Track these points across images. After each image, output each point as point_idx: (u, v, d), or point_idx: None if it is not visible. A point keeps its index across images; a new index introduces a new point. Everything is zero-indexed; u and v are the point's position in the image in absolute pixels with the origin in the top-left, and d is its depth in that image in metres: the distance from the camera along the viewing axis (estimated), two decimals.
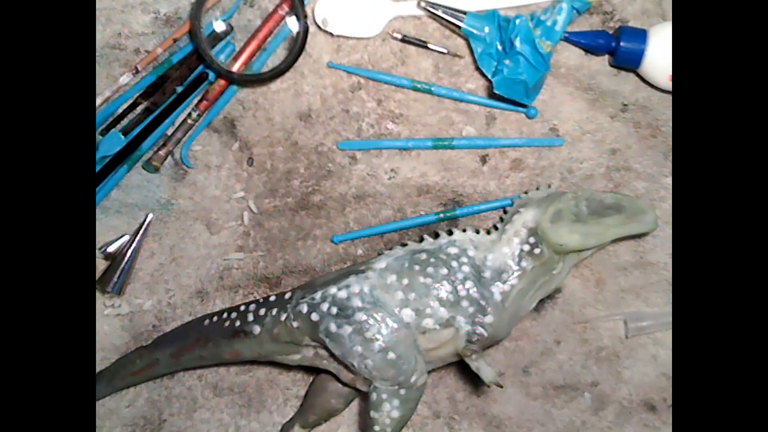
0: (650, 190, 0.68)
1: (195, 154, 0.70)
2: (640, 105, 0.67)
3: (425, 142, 0.69)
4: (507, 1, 0.66)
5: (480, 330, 0.61)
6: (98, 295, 0.70)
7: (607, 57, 0.67)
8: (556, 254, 0.62)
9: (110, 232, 0.70)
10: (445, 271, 0.61)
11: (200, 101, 0.68)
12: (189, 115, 0.69)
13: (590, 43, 0.65)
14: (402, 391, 0.61)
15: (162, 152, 0.69)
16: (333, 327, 0.61)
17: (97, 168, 0.68)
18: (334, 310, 0.61)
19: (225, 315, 0.66)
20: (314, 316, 0.62)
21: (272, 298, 0.65)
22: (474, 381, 0.71)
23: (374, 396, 0.62)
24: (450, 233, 0.63)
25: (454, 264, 0.61)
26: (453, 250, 0.62)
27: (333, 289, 0.62)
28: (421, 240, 0.64)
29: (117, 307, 0.71)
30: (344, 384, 0.66)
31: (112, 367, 0.70)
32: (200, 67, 0.68)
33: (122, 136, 0.68)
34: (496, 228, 0.64)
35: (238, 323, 0.65)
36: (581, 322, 0.71)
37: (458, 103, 0.68)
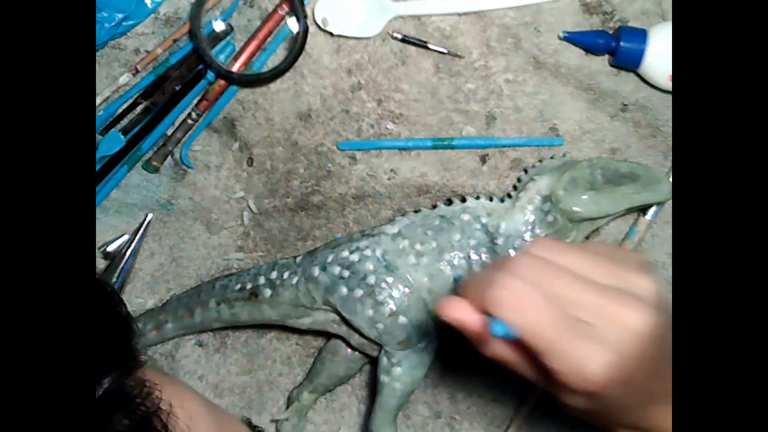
0: None
1: (195, 154, 0.70)
2: (640, 105, 0.67)
3: (425, 142, 0.68)
4: (492, 3, 0.66)
5: None
6: None
7: (607, 57, 0.66)
8: (570, 222, 0.62)
9: (110, 231, 0.70)
10: (457, 237, 0.61)
11: (200, 101, 0.68)
12: (189, 115, 0.68)
13: (590, 43, 0.65)
14: (412, 356, 0.61)
15: (162, 152, 0.69)
16: (344, 290, 0.61)
17: (97, 167, 0.68)
18: (346, 273, 0.61)
19: (236, 278, 0.66)
20: (325, 279, 0.62)
21: (284, 261, 0.65)
22: (475, 381, 0.72)
23: (384, 360, 0.62)
24: (463, 200, 0.63)
25: (467, 230, 0.61)
26: (466, 217, 0.62)
27: (345, 252, 0.62)
28: (434, 207, 0.64)
29: None
30: (354, 349, 0.66)
31: None
32: (200, 67, 0.68)
33: (122, 136, 0.68)
34: (509, 196, 0.64)
35: (249, 286, 0.65)
36: None
37: (458, 102, 0.68)
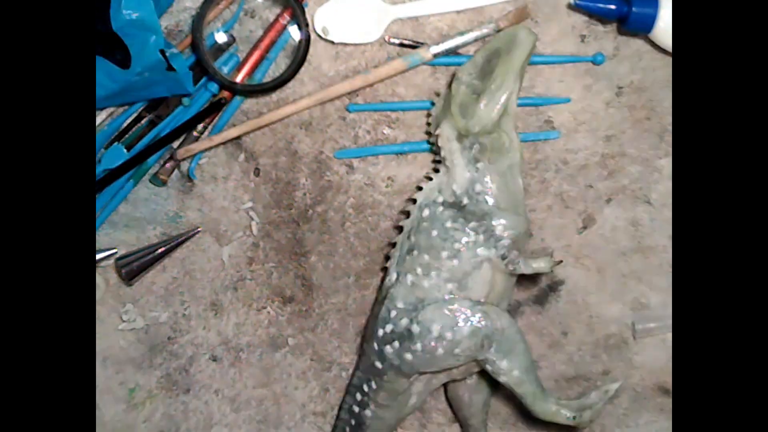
0: (645, 174, 0.69)
1: (201, 166, 0.70)
2: (635, 87, 0.68)
3: (421, 144, 0.69)
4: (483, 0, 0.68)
5: (502, 243, 0.60)
6: (111, 305, 0.70)
7: (603, 44, 0.68)
8: (492, 133, 0.61)
9: (121, 246, 0.70)
10: (434, 232, 0.61)
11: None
12: (194, 127, 0.69)
13: (602, 10, 0.64)
14: (502, 343, 0.59)
15: (168, 165, 0.69)
16: (408, 356, 0.61)
17: (107, 182, 0.67)
18: (396, 344, 0.61)
19: (340, 425, 0.68)
20: (390, 362, 0.62)
21: (354, 381, 0.66)
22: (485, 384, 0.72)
23: (489, 367, 0.60)
24: (414, 201, 0.64)
25: (435, 220, 0.61)
26: (426, 212, 0.62)
27: (380, 332, 0.62)
28: (401, 230, 0.64)
29: (132, 321, 0.70)
30: (466, 378, 0.66)
31: None
32: (203, 79, 0.68)
33: (125, 150, 0.68)
34: (439, 162, 0.64)
35: (353, 422, 0.66)
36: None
37: None
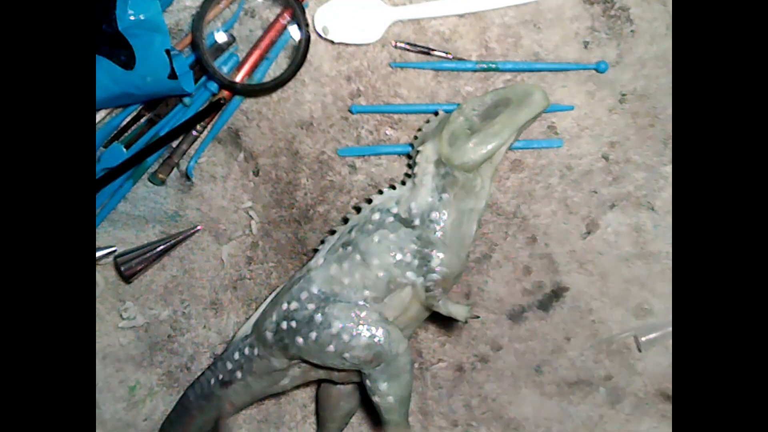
0: (649, 180, 0.69)
1: (200, 165, 0.70)
2: (638, 94, 0.68)
3: None
4: (492, 3, 0.67)
5: (432, 276, 0.61)
6: (111, 302, 0.71)
7: (607, 51, 0.67)
8: (469, 172, 0.61)
9: (120, 244, 0.70)
10: (376, 239, 0.61)
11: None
12: (194, 127, 0.69)
13: None
14: (390, 367, 0.61)
15: (167, 164, 0.69)
16: (300, 340, 0.61)
17: (106, 181, 0.68)
18: (294, 324, 0.62)
19: (207, 374, 0.67)
20: (279, 339, 0.62)
21: (238, 339, 0.66)
22: (488, 385, 0.72)
23: (368, 383, 0.62)
24: (369, 201, 0.64)
25: (382, 228, 0.61)
26: (376, 216, 0.62)
27: (284, 305, 0.63)
28: (346, 221, 0.64)
29: (132, 319, 0.71)
30: (342, 383, 0.66)
31: None
32: (203, 78, 0.68)
33: (124, 149, 0.68)
34: (409, 176, 0.64)
35: (221, 376, 0.66)
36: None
37: None
